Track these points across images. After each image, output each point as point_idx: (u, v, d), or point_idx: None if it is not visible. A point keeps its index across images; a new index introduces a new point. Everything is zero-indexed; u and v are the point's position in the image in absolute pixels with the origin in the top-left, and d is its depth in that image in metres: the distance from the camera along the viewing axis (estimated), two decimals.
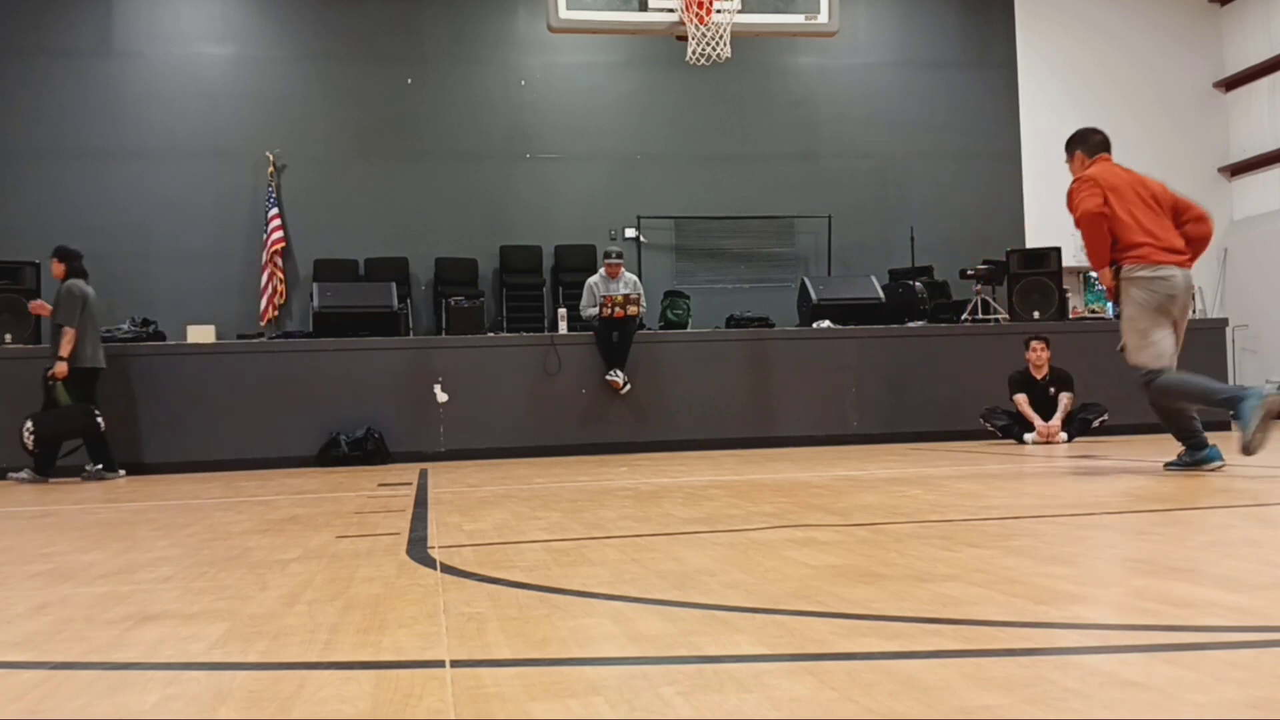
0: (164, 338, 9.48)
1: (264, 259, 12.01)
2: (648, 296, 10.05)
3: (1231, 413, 5.00)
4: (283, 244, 12.11)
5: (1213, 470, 5.23)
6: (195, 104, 12.17)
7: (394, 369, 9.31)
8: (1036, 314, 10.41)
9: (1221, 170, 14.26)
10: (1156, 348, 5.34)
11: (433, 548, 3.38)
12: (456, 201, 12.62)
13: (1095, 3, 14.10)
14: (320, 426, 9.02)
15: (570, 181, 12.85)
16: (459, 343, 9.59)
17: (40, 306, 8.49)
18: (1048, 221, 13.55)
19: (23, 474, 7.92)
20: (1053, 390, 8.84)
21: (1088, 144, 5.72)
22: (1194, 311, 11.10)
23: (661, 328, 10.54)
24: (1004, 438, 8.94)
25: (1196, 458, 5.34)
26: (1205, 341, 10.38)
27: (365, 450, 8.93)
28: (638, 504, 4.62)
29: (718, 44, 8.98)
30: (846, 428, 9.78)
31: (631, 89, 13.09)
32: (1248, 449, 4.90)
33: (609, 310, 9.46)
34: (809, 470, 6.35)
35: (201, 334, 9.43)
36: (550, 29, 9.13)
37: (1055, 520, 3.65)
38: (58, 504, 5.93)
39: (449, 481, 6.54)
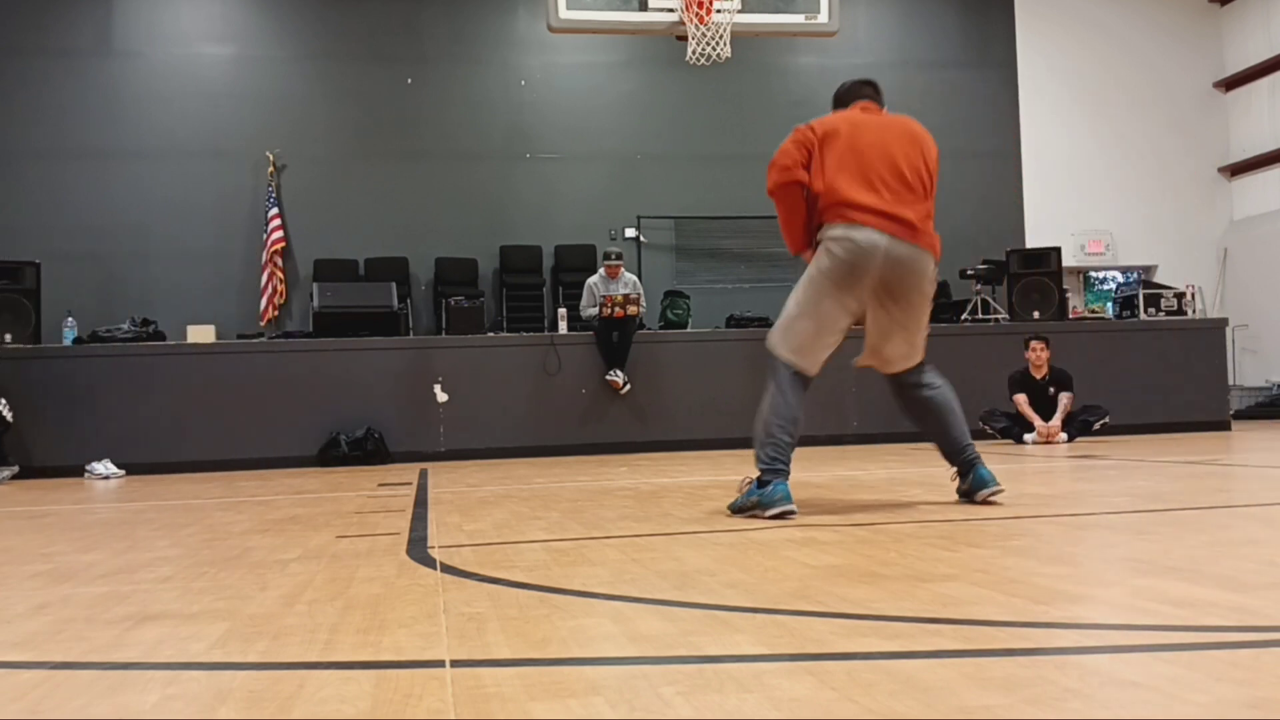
0: (164, 338, 9.48)
1: (264, 259, 12.00)
2: (648, 296, 10.05)
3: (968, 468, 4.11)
4: (283, 244, 12.11)
5: (779, 516, 3.83)
6: (195, 104, 12.16)
7: (394, 369, 9.31)
8: (1036, 314, 10.41)
9: (1221, 170, 14.25)
10: (801, 336, 3.89)
11: (433, 548, 3.38)
12: (456, 201, 12.62)
13: (1095, 3, 14.10)
14: (320, 426, 9.02)
15: (570, 181, 12.85)
16: (459, 343, 9.59)
17: None
18: (1047, 221, 13.58)
19: None
20: (1052, 390, 8.84)
21: (837, 99, 4.19)
22: (1193, 311, 11.20)
23: (661, 328, 10.54)
24: (1003, 439, 8.94)
25: (758, 498, 3.94)
26: (1205, 341, 10.41)
27: (365, 450, 8.93)
28: (638, 504, 4.62)
29: (718, 44, 8.97)
30: (846, 428, 9.78)
31: (631, 89, 13.09)
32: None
33: (609, 310, 9.46)
34: (809, 470, 6.35)
35: (201, 334, 9.43)
36: (550, 29, 9.12)
37: (1055, 520, 3.65)
38: (58, 504, 5.93)
39: (449, 481, 6.54)
